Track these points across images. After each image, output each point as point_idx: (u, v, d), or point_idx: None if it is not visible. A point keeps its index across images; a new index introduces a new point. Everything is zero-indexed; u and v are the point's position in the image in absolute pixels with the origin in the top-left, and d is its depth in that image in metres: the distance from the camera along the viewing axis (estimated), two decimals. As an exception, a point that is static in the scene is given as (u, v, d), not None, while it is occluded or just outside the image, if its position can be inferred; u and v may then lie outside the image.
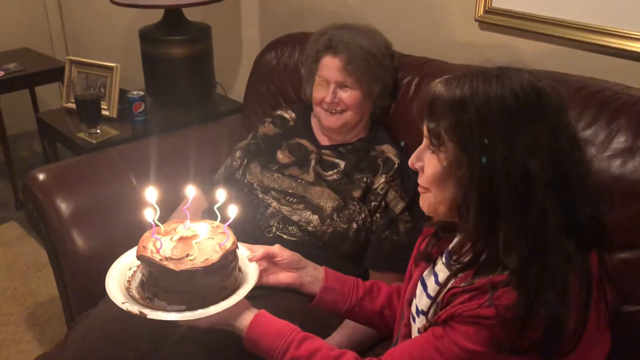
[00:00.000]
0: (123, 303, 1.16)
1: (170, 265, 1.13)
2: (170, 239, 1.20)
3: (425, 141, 1.04)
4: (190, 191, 1.30)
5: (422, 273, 1.17)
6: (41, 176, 1.86)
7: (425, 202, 1.07)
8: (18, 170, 3.13)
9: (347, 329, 1.46)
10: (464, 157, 0.95)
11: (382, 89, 1.70)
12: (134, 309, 1.14)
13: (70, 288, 1.86)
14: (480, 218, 0.95)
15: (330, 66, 1.66)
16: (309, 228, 1.59)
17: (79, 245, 1.77)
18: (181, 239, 1.20)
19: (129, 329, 1.42)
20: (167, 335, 1.40)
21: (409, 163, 1.08)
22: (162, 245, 1.17)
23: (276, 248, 1.31)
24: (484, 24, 1.85)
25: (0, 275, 2.59)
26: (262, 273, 1.27)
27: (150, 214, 1.18)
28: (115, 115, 2.50)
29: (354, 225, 1.59)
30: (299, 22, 2.38)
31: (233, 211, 1.23)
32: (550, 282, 0.90)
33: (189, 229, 1.22)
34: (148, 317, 1.13)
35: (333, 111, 1.67)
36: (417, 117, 1.04)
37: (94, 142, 2.30)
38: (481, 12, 1.83)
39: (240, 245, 1.27)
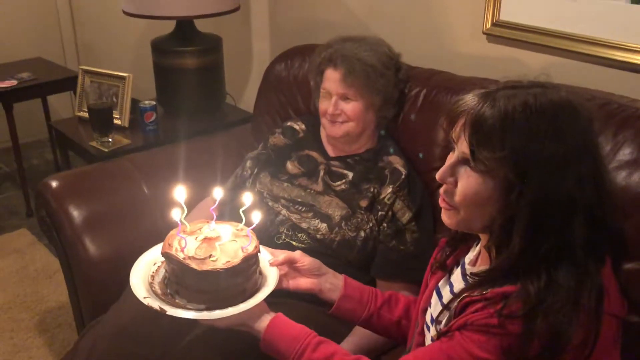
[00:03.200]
0: (145, 298, 1.18)
1: (193, 265, 1.15)
2: (195, 239, 1.22)
3: (457, 156, 1.00)
4: (218, 193, 1.32)
5: (438, 282, 1.17)
6: (54, 183, 1.89)
7: (453, 219, 1.03)
8: (30, 178, 3.16)
9: (356, 337, 1.47)
10: (519, 184, 0.93)
11: (385, 100, 1.72)
12: (155, 304, 1.16)
13: (81, 294, 1.88)
14: (525, 241, 0.94)
15: (331, 79, 1.69)
16: (318, 236, 1.61)
17: (90, 252, 1.79)
18: (205, 239, 1.22)
19: (139, 336, 1.43)
20: (177, 343, 1.41)
21: (438, 177, 1.03)
22: (187, 244, 1.19)
23: (297, 254, 1.32)
24: (491, 37, 1.87)
25: (11, 282, 2.62)
26: (282, 277, 1.29)
27: (177, 213, 1.20)
28: (127, 124, 2.53)
29: (362, 233, 1.60)
30: (309, 33, 2.41)
31: (257, 217, 1.25)
32: (562, 296, 0.91)
33: (213, 230, 1.24)
34: (167, 313, 1.14)
35: (334, 121, 1.70)
36: (448, 129, 1.02)
37: (106, 150, 2.33)
38: (489, 25, 1.85)
39: (262, 248, 1.29)
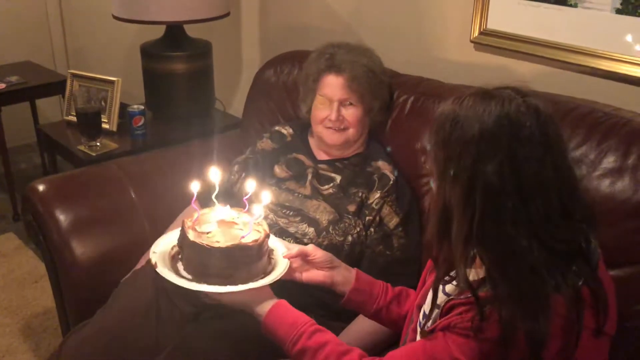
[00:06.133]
0: (154, 253, 1.26)
1: (189, 233, 1.21)
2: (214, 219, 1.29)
3: None
4: (195, 186, 1.34)
5: None
6: (41, 187, 1.88)
7: None
8: (17, 182, 3.13)
9: (347, 338, 1.47)
10: (439, 179, 1.03)
11: (381, 105, 1.75)
12: (153, 258, 1.24)
13: (67, 299, 1.87)
14: (438, 234, 1.04)
15: (333, 85, 1.69)
16: (305, 240, 1.62)
17: (77, 256, 1.78)
18: (222, 221, 1.28)
19: (124, 339, 1.43)
20: (162, 348, 1.41)
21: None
22: (200, 217, 1.27)
23: (310, 247, 1.36)
24: (479, 45, 1.89)
25: (-4, 286, 2.61)
26: (296, 270, 1.35)
27: (196, 185, 1.30)
28: (115, 129, 2.53)
29: (349, 238, 1.61)
30: (298, 40, 2.42)
31: (266, 196, 1.32)
32: (526, 301, 0.92)
33: (232, 216, 1.32)
34: (157, 269, 1.22)
35: (336, 129, 1.71)
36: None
37: (94, 154, 2.33)
38: (476, 34, 1.87)
39: (277, 241, 1.36)
